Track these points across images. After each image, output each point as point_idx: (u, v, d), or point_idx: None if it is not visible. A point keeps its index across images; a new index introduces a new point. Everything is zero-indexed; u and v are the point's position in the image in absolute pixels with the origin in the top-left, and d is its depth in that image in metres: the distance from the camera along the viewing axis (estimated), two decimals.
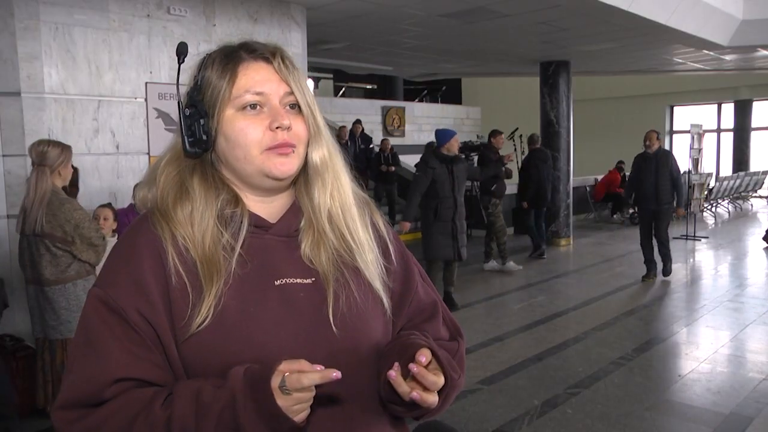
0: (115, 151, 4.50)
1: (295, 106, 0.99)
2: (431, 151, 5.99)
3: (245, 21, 5.16)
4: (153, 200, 0.99)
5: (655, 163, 6.76)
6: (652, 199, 6.78)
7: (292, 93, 0.98)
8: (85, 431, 0.86)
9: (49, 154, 3.10)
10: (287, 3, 5.44)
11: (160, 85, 4.69)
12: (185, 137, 0.96)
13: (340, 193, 1.04)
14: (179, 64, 1.01)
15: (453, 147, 5.78)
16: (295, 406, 0.81)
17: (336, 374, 0.80)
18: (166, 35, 4.72)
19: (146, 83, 4.61)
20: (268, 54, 0.99)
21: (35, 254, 3.13)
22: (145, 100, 4.61)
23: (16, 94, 4.04)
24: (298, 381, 0.79)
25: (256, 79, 0.97)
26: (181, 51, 1.01)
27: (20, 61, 4.03)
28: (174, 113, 4.86)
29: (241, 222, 0.97)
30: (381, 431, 1.01)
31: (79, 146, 4.13)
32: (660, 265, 7.02)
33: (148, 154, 4.64)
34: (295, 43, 5.52)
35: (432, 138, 11.47)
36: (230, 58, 0.98)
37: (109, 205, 3.85)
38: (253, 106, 0.96)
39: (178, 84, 1.00)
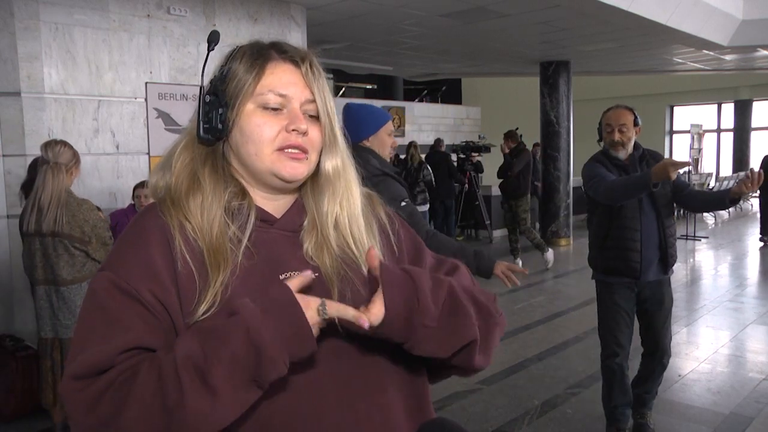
0: (115, 151, 4.50)
1: (315, 116, 1.00)
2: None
3: (245, 21, 5.16)
4: (166, 188, 1.01)
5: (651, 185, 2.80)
6: (654, 259, 3.16)
7: (313, 101, 0.99)
8: (96, 393, 0.85)
9: (65, 154, 3.13)
10: (287, 3, 5.44)
11: (160, 85, 4.69)
12: (201, 123, 0.98)
13: (349, 203, 1.05)
14: (209, 51, 1.03)
15: (383, 144, 2.55)
16: (316, 327, 0.87)
17: (365, 321, 0.88)
18: (166, 35, 4.72)
19: (146, 83, 4.61)
20: (298, 58, 1.01)
21: (52, 255, 3.10)
22: (145, 100, 4.61)
23: (16, 94, 4.04)
24: (339, 310, 0.88)
25: (282, 81, 0.98)
26: (213, 39, 1.03)
27: (20, 61, 4.03)
28: (174, 113, 4.83)
29: (248, 215, 0.98)
30: (392, 422, 1.00)
31: (79, 146, 4.10)
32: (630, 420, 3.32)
33: (148, 154, 4.64)
34: (294, 43, 5.51)
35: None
36: (260, 54, 1.00)
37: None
38: (275, 107, 0.97)
39: (203, 71, 1.01)
